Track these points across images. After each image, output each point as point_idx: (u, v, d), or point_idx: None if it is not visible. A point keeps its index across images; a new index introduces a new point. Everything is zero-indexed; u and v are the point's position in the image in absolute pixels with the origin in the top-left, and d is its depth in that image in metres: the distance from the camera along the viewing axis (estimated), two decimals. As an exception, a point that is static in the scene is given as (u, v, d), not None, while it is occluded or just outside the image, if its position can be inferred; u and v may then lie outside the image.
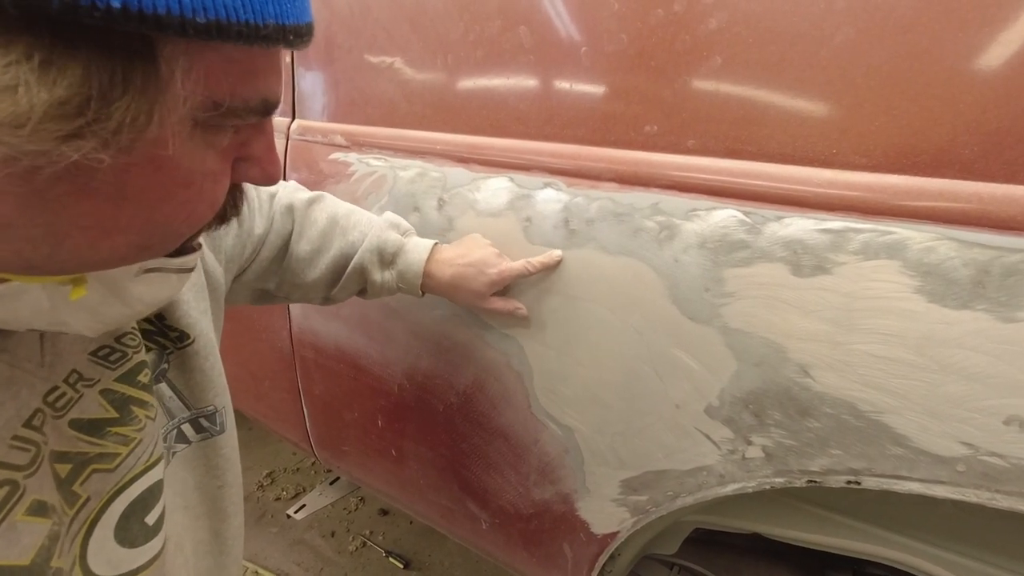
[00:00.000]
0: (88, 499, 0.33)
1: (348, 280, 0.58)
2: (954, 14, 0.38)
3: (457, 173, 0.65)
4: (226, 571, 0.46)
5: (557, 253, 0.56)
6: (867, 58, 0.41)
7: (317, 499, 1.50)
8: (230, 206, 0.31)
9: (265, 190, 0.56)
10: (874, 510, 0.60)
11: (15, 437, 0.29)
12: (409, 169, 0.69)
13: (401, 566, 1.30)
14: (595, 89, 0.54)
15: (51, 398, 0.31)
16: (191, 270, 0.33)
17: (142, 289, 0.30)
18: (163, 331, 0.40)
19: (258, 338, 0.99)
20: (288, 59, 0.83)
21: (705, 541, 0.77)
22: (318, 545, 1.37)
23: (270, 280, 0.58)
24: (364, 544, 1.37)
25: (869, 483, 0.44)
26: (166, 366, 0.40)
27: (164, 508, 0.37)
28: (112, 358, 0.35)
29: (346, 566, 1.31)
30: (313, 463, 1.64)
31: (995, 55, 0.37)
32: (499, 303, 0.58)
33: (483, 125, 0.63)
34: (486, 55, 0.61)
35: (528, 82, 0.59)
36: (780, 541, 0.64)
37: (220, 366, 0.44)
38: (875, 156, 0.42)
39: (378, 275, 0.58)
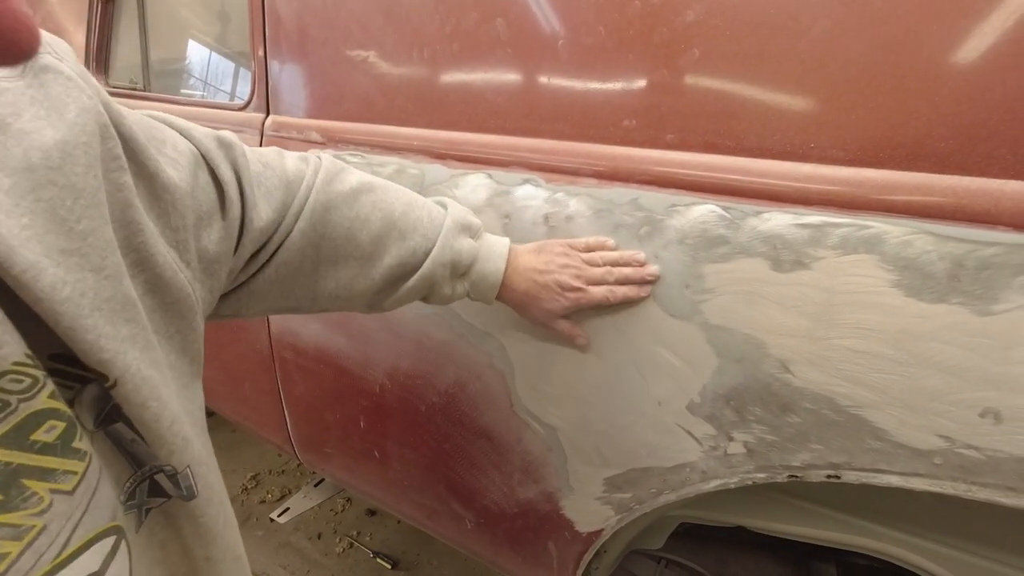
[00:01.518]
0: None
1: (410, 292, 0.49)
2: (930, 8, 0.38)
3: (435, 169, 0.63)
4: None
5: (645, 291, 0.50)
6: (844, 52, 0.41)
7: (302, 501, 1.48)
8: None
9: (276, 171, 0.43)
10: (856, 502, 0.61)
11: None
12: (387, 166, 0.68)
13: (389, 566, 1.29)
14: (573, 83, 0.53)
15: None
16: None
17: None
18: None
19: (237, 339, 0.97)
20: (261, 52, 0.81)
21: (691, 535, 0.77)
22: (304, 547, 1.36)
23: (299, 293, 0.47)
24: (351, 545, 1.36)
25: (849, 477, 0.44)
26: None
27: None
28: None
29: (333, 568, 1.30)
30: (298, 465, 1.62)
31: (970, 49, 0.37)
32: (565, 326, 0.54)
33: (461, 120, 0.62)
34: (463, 48, 0.60)
35: (506, 76, 0.58)
36: (765, 533, 0.64)
37: (171, 412, 0.31)
38: (852, 150, 0.42)
39: (449, 288, 0.51)
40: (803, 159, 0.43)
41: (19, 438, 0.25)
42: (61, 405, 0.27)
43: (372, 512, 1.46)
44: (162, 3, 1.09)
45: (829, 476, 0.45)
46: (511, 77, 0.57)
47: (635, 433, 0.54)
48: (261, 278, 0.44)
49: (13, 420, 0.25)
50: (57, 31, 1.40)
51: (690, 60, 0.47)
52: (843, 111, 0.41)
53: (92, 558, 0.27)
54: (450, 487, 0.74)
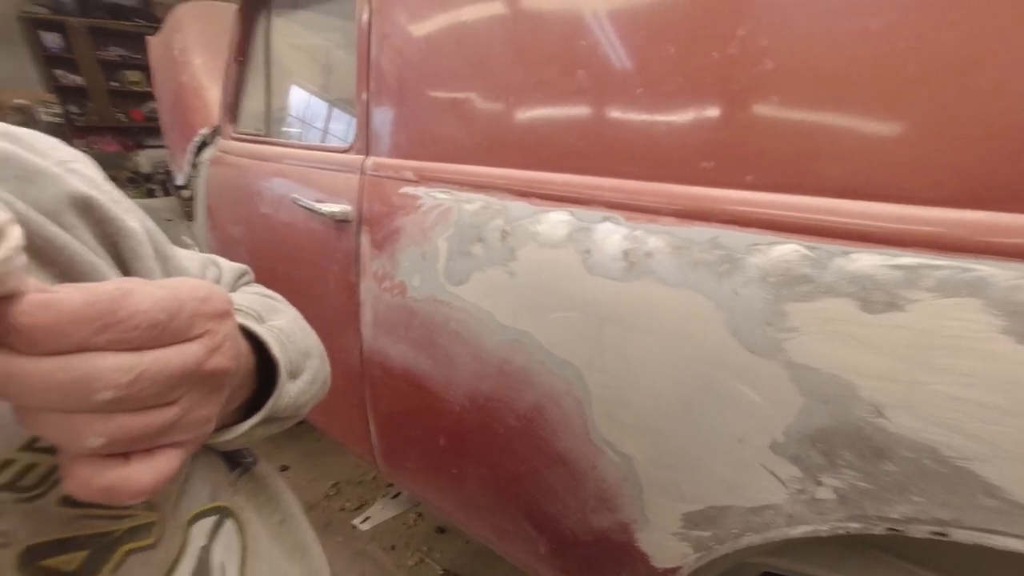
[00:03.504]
0: None
1: None
2: (1037, 43, 0.37)
3: (518, 206, 0.68)
4: None
5: None
6: (937, 95, 0.40)
7: (380, 512, 1.56)
8: None
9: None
10: (969, 567, 0.55)
11: None
12: (473, 202, 0.74)
13: (457, 585, 1.31)
14: (651, 127, 0.56)
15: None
16: None
17: None
18: None
19: (328, 357, 1.06)
20: (364, 96, 0.92)
21: (774, 584, 0.73)
22: (379, 557, 1.43)
23: None
24: (422, 560, 1.40)
25: (958, 536, 0.41)
26: None
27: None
28: None
29: (405, 580, 1.35)
30: (374, 477, 1.71)
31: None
32: None
33: (543, 160, 0.67)
34: (546, 96, 0.65)
35: (587, 121, 0.62)
36: (858, 591, 0.59)
37: None
38: (948, 190, 0.40)
39: None
40: (893, 200, 0.43)
41: None
42: None
43: (442, 530, 1.50)
44: (283, 62, 1.27)
45: (934, 533, 0.42)
46: (592, 122, 0.61)
47: (714, 469, 0.54)
48: None
49: None
50: (198, 88, 1.67)
51: (770, 106, 0.48)
52: (937, 151, 0.41)
53: (198, 535, 0.32)
54: (524, 510, 0.76)
